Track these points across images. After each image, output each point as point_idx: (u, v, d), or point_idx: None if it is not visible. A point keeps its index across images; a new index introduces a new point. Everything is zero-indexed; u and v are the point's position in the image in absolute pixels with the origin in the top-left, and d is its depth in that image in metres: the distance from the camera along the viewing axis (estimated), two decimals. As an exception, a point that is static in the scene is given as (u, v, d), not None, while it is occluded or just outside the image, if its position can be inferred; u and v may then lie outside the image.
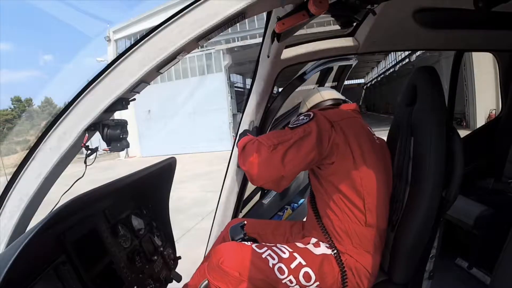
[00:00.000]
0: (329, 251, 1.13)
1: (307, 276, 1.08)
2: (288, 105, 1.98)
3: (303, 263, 1.08)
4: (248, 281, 1.05)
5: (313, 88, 1.52)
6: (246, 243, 1.15)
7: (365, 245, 1.10)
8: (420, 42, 1.58)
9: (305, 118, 1.13)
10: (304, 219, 1.40)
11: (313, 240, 1.19)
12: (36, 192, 0.88)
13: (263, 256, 1.09)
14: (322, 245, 1.16)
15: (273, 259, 1.08)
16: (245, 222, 1.33)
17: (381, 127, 7.59)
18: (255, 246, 1.13)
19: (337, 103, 1.38)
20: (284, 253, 1.10)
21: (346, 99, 1.43)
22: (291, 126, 1.15)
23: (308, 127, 1.10)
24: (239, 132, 1.64)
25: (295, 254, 1.10)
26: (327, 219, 1.16)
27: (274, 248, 1.12)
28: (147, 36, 0.83)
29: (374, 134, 1.22)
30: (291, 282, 1.07)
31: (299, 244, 1.17)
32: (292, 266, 1.08)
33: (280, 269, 1.07)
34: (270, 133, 1.26)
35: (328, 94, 1.42)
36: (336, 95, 1.43)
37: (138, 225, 1.37)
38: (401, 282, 1.06)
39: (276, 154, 1.09)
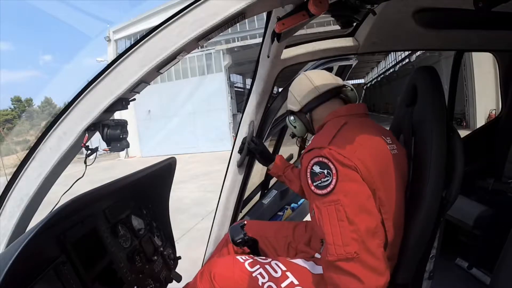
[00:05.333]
0: None
1: None
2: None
3: (296, 282, 1.05)
4: None
5: (300, 75, 1.28)
6: (240, 258, 1.15)
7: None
8: (420, 42, 1.58)
9: (326, 176, 0.90)
10: (305, 219, 1.40)
11: (317, 255, 1.15)
12: (36, 192, 0.87)
13: (254, 274, 1.08)
14: None
15: (263, 277, 1.07)
16: (245, 222, 1.34)
17: (381, 127, 7.57)
18: (248, 263, 1.12)
19: (336, 94, 1.18)
20: (276, 272, 1.08)
21: (346, 85, 1.21)
22: (318, 191, 0.91)
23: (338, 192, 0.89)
24: (237, 139, 1.63)
25: (288, 273, 1.07)
26: None
27: (266, 266, 1.10)
28: (147, 36, 0.83)
29: (390, 142, 1.01)
30: None
31: (298, 261, 1.13)
32: (283, 285, 1.05)
33: (269, 287, 1.06)
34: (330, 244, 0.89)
35: (322, 82, 1.19)
36: (332, 80, 1.21)
37: (138, 225, 1.37)
38: (402, 283, 1.06)
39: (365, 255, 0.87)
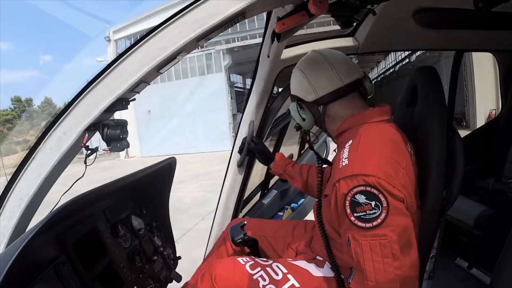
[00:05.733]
0: (331, 274, 1.05)
1: None
2: (288, 105, 1.98)
3: (297, 285, 1.04)
4: None
5: (316, 55, 1.07)
6: (241, 260, 1.13)
7: None
8: (420, 42, 1.58)
9: (374, 208, 0.80)
10: (305, 218, 1.39)
11: (319, 258, 1.14)
12: (36, 192, 0.87)
13: (254, 277, 1.07)
14: (326, 266, 1.08)
15: (264, 280, 1.06)
16: (245, 222, 1.33)
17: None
18: (249, 265, 1.11)
19: (357, 87, 1.02)
20: (277, 274, 1.07)
21: (366, 75, 1.06)
22: (360, 224, 0.81)
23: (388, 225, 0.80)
24: (237, 139, 1.63)
25: (289, 275, 1.06)
26: (340, 253, 1.03)
27: (267, 268, 1.09)
28: (147, 36, 0.83)
29: (410, 150, 0.95)
30: None
31: (299, 263, 1.11)
32: (284, 287, 1.04)
33: None
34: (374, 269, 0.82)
35: (345, 71, 1.01)
36: (354, 68, 1.04)
37: (138, 225, 1.37)
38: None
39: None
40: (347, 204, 0.83)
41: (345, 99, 1.02)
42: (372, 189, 0.80)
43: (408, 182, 0.85)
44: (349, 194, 0.82)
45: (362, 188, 0.81)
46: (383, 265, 0.80)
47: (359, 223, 0.81)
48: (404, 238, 0.81)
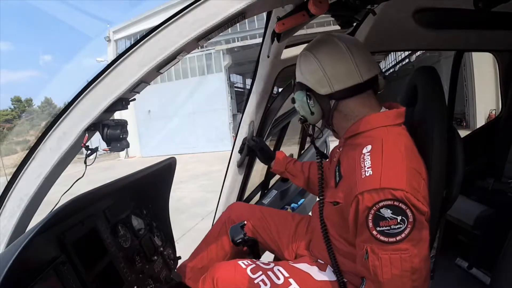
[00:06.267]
0: (334, 277, 1.03)
1: None
2: (288, 105, 1.98)
3: None
4: None
5: (336, 43, 0.94)
6: (242, 264, 1.12)
7: None
8: (420, 42, 1.59)
9: (399, 223, 0.77)
10: (310, 213, 1.37)
11: (320, 261, 1.12)
12: (36, 192, 0.87)
13: (256, 281, 1.06)
14: (329, 269, 1.06)
15: (265, 284, 1.05)
16: (245, 222, 1.33)
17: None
18: (250, 269, 1.10)
19: (374, 83, 0.96)
20: (279, 278, 1.06)
21: (381, 71, 1.00)
22: (383, 238, 0.78)
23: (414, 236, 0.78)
24: (237, 139, 1.62)
25: (291, 279, 1.05)
26: (343, 258, 1.01)
27: (269, 272, 1.09)
28: (147, 36, 0.83)
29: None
30: None
31: (301, 266, 1.10)
32: None
33: None
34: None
35: (366, 67, 0.94)
36: (374, 62, 0.97)
37: (138, 225, 1.37)
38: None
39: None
40: (370, 218, 0.79)
41: (361, 96, 0.95)
42: (400, 204, 0.77)
43: (427, 193, 0.84)
44: (374, 208, 0.79)
45: (389, 202, 0.77)
46: (401, 278, 0.78)
47: (382, 237, 0.78)
48: (423, 251, 0.80)
